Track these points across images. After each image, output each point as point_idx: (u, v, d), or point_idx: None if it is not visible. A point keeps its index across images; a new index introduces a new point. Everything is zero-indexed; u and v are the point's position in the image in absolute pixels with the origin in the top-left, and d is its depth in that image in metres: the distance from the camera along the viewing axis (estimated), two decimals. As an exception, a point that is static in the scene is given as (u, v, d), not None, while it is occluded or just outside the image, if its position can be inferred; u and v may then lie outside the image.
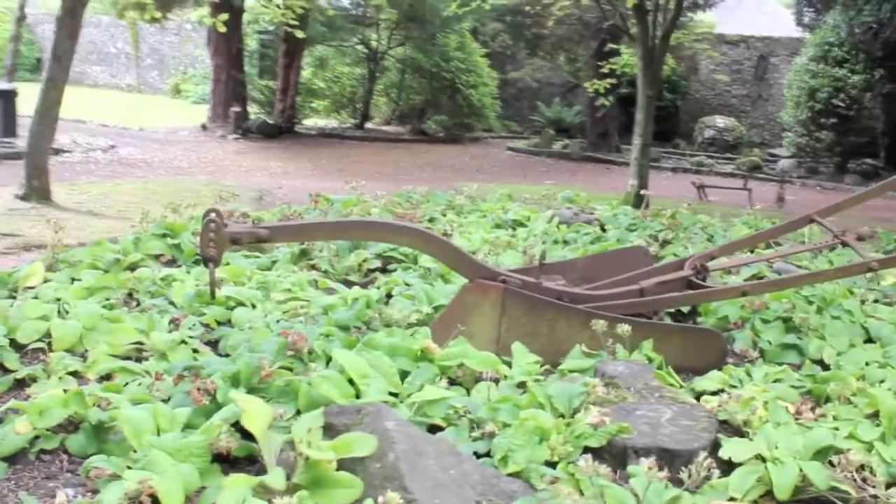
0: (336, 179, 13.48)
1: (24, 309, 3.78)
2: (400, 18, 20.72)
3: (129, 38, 30.95)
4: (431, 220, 6.25)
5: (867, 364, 3.92)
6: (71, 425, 2.99)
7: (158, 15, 22.09)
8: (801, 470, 2.69)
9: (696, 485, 2.69)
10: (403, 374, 3.38)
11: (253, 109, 22.59)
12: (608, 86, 14.23)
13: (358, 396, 3.17)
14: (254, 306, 4.21)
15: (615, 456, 2.86)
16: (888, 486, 2.68)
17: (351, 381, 3.21)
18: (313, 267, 4.97)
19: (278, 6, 21.02)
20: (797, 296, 4.68)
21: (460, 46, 21.49)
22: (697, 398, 3.35)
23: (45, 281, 4.44)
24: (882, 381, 3.63)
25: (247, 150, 20.54)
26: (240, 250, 4.98)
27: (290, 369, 3.37)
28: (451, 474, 2.68)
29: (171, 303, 4.22)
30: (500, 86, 23.12)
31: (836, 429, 3.02)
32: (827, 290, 4.79)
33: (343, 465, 2.72)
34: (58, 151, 17.79)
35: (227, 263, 4.74)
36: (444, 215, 6.48)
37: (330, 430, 2.84)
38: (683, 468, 2.68)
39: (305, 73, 23.01)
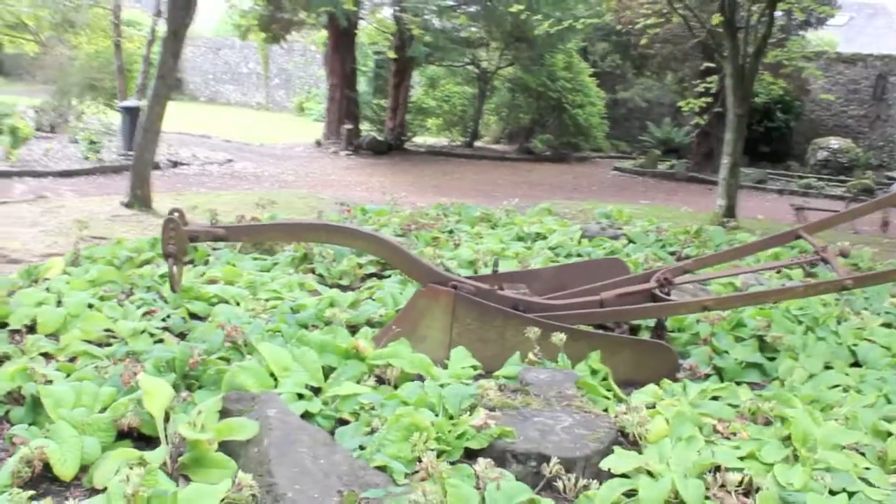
0: (430, 195, 13.71)
1: (21, 296, 4.12)
2: (508, 39, 20.92)
3: (260, 58, 32.39)
4: (451, 231, 6.35)
5: (833, 387, 3.77)
6: (23, 398, 3.26)
7: (276, 36, 23.05)
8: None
9: (573, 494, 2.70)
10: (332, 370, 3.50)
11: (365, 127, 23.27)
12: (703, 105, 13.93)
13: (276, 387, 3.31)
14: (238, 304, 4.43)
15: (495, 459, 2.88)
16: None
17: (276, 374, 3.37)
18: (312, 271, 5.16)
19: (385, 29, 21.66)
20: (787, 315, 4.52)
21: (568, 66, 21.46)
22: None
23: (64, 273, 4.81)
24: (838, 407, 3.50)
25: (354, 166, 21.14)
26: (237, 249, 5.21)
27: (228, 360, 3.55)
28: (319, 463, 2.78)
29: (163, 298, 4.49)
30: (610, 106, 22.93)
31: (738, 447, 2.94)
32: (819, 310, 4.61)
33: (230, 447, 2.87)
34: (176, 164, 18.88)
35: (233, 264, 5.01)
36: (473, 226, 6.56)
37: (225, 415, 3.00)
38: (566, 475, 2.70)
39: (417, 92, 23.53)
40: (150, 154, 12.69)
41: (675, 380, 3.71)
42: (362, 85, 23.95)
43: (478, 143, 24.16)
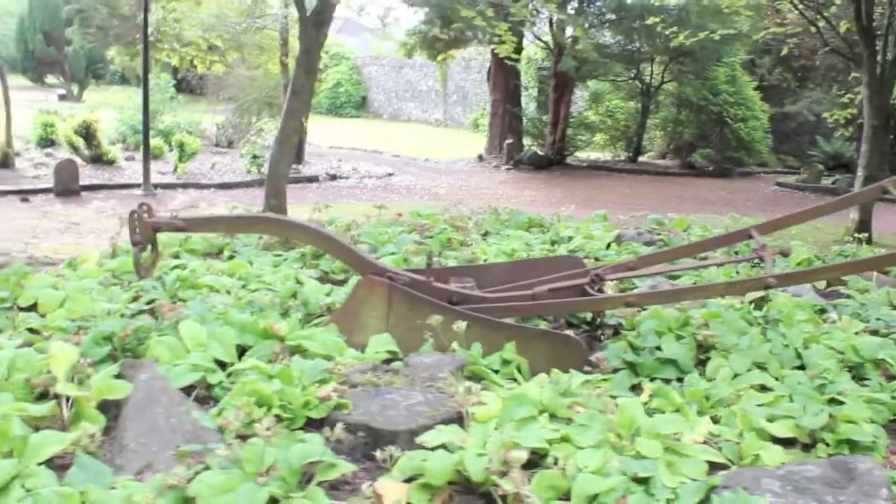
0: (577, 208, 13.85)
1: (31, 280, 4.77)
2: (671, 53, 20.60)
3: (438, 76, 33.49)
4: (486, 234, 6.54)
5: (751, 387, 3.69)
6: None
7: (441, 54, 23.80)
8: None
9: (389, 464, 2.90)
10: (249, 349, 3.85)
11: (527, 142, 23.58)
12: (848, 116, 13.20)
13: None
14: (228, 293, 4.87)
15: (331, 427, 3.11)
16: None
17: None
18: (316, 267, 5.53)
19: (545, 45, 21.84)
20: (746, 315, 4.39)
21: (730, 79, 20.81)
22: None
23: (99, 264, 5.45)
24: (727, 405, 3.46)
25: (511, 181, 21.48)
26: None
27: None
28: (170, 422, 3.13)
29: (164, 286, 5.02)
30: (779, 120, 21.96)
31: (557, 430, 3.00)
32: (793, 313, 4.44)
33: (109, 406, 3.27)
34: (335, 177, 19.99)
35: (233, 256, 5.48)
36: (516, 230, 6.71)
37: (119, 378, 3.42)
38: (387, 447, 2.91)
39: (581, 107, 23.62)
40: (284, 166, 13.55)
41: (585, 372, 3.76)
42: (526, 100, 24.30)
43: (642, 159, 23.86)
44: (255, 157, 19.13)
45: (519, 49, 21.65)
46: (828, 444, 3.19)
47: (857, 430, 3.21)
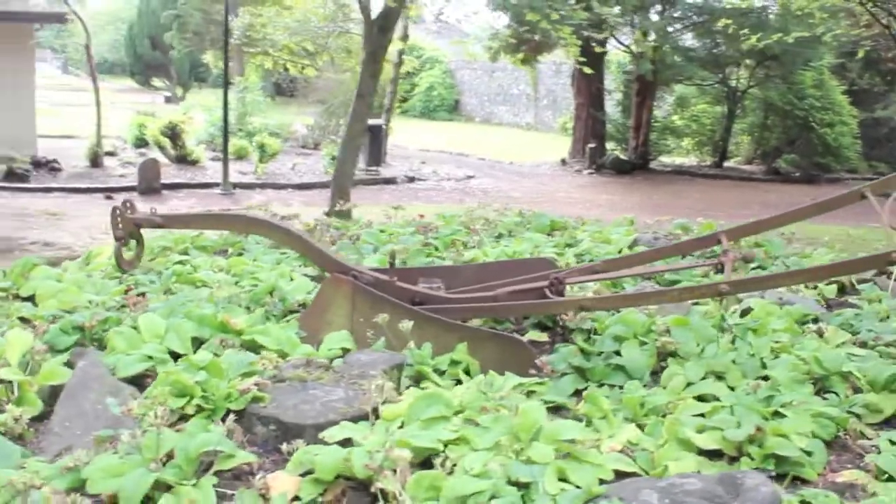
0: (647, 213, 13.66)
1: (35, 271, 5.01)
2: (758, 57, 20.05)
3: (529, 80, 33.42)
4: (500, 235, 6.52)
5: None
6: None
7: (527, 58, 23.73)
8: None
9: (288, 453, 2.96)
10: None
11: (611, 146, 23.31)
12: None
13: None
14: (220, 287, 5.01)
15: (246, 420, 3.19)
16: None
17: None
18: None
19: (627, 49, 21.53)
20: (719, 323, 4.25)
21: (817, 84, 20.08)
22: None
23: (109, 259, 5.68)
24: (662, 415, 3.38)
25: (589, 185, 21.29)
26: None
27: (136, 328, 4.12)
28: (96, 408, 3.26)
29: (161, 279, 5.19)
30: (869, 125, 21.05)
31: (457, 431, 2.99)
32: (767, 322, 4.28)
33: (56, 390, 3.43)
34: (413, 179, 20.20)
35: (241, 254, 5.63)
36: (536, 233, 6.67)
37: (70, 366, 3.57)
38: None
39: (666, 111, 23.24)
40: (350, 167, 13.84)
41: (527, 375, 3.72)
42: (610, 104, 24.03)
43: (727, 164, 23.28)
44: (333, 157, 19.42)
45: (602, 53, 21.42)
46: (752, 458, 3.07)
47: (786, 444, 3.08)
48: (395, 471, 2.67)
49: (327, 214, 12.62)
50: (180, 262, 5.48)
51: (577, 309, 3.95)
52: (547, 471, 2.76)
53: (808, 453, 3.14)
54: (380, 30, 13.12)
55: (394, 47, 23.17)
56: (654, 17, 19.65)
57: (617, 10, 18.36)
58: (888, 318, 4.83)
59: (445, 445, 2.92)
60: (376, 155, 20.33)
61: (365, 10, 13.02)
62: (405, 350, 3.79)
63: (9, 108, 18.54)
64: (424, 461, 2.91)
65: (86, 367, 3.42)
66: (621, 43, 21.97)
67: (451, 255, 5.65)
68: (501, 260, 5.24)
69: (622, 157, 22.37)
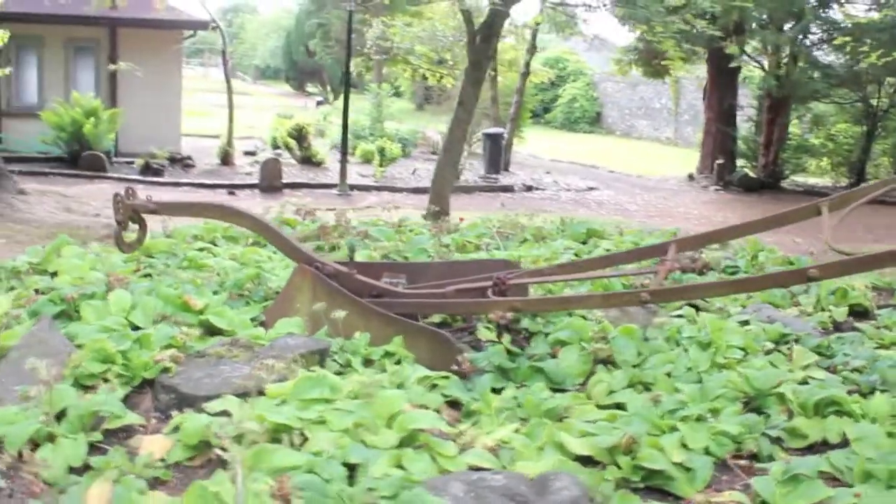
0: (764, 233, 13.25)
1: (67, 250, 5.49)
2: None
3: (671, 94, 32.74)
4: (525, 240, 6.54)
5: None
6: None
7: (658, 71, 23.34)
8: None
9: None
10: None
11: (740, 163, 22.56)
12: None
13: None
14: (218, 274, 5.32)
15: (156, 388, 3.44)
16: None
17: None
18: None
19: (759, 65, 20.78)
20: (678, 334, 4.17)
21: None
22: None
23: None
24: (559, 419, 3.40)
25: (713, 202, 20.65)
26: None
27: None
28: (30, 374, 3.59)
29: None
30: None
31: (322, 412, 3.13)
32: (719, 337, 4.15)
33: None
34: (530, 188, 20.25)
35: (264, 245, 5.95)
36: (572, 240, 6.66)
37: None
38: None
39: (802, 129, 22.27)
40: (448, 173, 14.09)
41: (450, 371, 3.80)
42: (741, 121, 23.27)
43: (865, 185, 22.02)
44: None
45: (735, 68, 20.79)
46: (620, 468, 3.04)
47: (657, 457, 3.03)
48: (240, 441, 2.84)
49: (423, 217, 12.92)
50: (201, 249, 5.85)
51: (509, 310, 3.98)
52: (382, 456, 2.86)
53: (687, 469, 3.09)
54: (483, 39, 13.30)
55: (519, 56, 23.35)
56: (788, 33, 18.87)
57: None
58: (892, 346, 4.57)
59: (304, 423, 3.06)
60: (496, 163, 20.49)
61: (468, 19, 13.24)
62: (337, 338, 3.94)
63: (155, 109, 19.94)
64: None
65: (36, 332, 3.77)
66: (753, 59, 21.23)
67: (458, 256, 5.75)
68: (464, 260, 5.32)
69: (751, 174, 21.55)
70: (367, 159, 21.34)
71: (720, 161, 21.33)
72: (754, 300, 5.20)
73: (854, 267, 3.67)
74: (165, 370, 3.50)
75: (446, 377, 3.63)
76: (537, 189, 20.53)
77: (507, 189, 19.98)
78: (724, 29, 16.56)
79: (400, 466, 2.85)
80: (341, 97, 37.39)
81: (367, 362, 3.94)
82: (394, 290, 4.37)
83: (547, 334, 4.27)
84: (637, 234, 7.26)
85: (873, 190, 4.17)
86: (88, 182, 16.44)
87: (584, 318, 4.43)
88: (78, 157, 17.50)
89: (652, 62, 22.98)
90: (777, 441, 3.40)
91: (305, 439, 3.00)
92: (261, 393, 3.30)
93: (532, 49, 21.57)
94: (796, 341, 4.46)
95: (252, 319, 4.40)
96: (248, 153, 22.25)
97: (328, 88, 40.90)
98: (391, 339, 4.01)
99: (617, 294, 4.13)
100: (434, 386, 3.61)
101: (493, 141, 20.41)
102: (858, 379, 3.92)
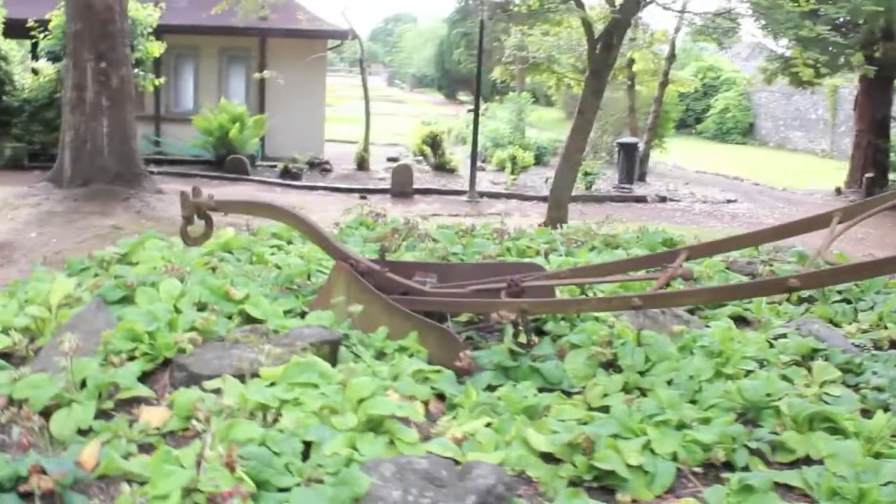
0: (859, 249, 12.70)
1: (151, 242, 5.99)
2: None
3: (828, 104, 31.26)
4: (593, 248, 6.54)
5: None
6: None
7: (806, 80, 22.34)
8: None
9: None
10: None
11: (893, 177, 21.34)
12: None
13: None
14: (279, 268, 5.63)
15: (174, 366, 3.79)
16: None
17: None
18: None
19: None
20: (694, 343, 4.15)
21: None
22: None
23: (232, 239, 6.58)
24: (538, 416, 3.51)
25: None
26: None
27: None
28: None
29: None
30: None
31: (299, 394, 3.37)
32: (729, 347, 4.08)
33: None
34: (664, 199, 19.93)
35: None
36: (647, 249, 6.63)
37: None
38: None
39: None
40: (567, 182, 14.13)
41: (451, 367, 3.96)
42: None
43: None
44: (586, 173, 19.72)
45: (889, 77, 19.69)
46: (575, 466, 3.12)
47: (612, 458, 3.09)
48: (215, 415, 3.13)
49: (542, 224, 13.03)
50: (274, 247, 6.24)
51: (518, 310, 4.09)
52: (338, 437, 3.06)
53: (646, 473, 3.13)
54: (603, 47, 13.28)
55: (648, 65, 22.90)
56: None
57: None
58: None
59: (284, 404, 3.31)
60: (630, 173, 20.26)
61: (588, 27, 13.24)
62: (356, 331, 4.20)
63: (300, 114, 20.95)
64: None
65: (84, 312, 4.21)
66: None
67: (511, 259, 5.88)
68: (496, 262, 5.41)
69: (903, 191, 20.32)
70: (502, 167, 21.60)
71: (870, 175, 20.24)
72: (807, 314, 5.07)
73: (831, 278, 3.57)
74: (182, 350, 3.83)
75: (438, 371, 3.79)
76: (671, 200, 20.16)
77: (640, 200, 19.73)
78: (869, 36, 15.73)
79: (354, 447, 3.04)
80: (490, 105, 37.93)
81: (382, 355, 4.15)
82: (419, 288, 4.56)
83: (560, 336, 4.35)
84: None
85: (885, 201, 4.01)
86: (230, 184, 17.51)
87: (596, 320, 4.49)
88: (223, 161, 18.64)
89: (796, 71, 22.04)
90: (758, 453, 3.36)
91: (278, 417, 3.24)
92: (255, 375, 3.58)
93: (671, 57, 21.19)
94: (826, 358, 4.34)
95: (288, 312, 4.68)
96: (391, 159, 22.95)
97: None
98: (408, 334, 4.21)
99: (610, 298, 4.16)
100: (426, 379, 3.77)
101: (627, 151, 20.20)
102: (871, 397, 3.79)
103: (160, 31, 17.41)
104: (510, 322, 4.10)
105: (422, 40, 52.75)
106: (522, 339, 4.31)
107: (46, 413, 3.38)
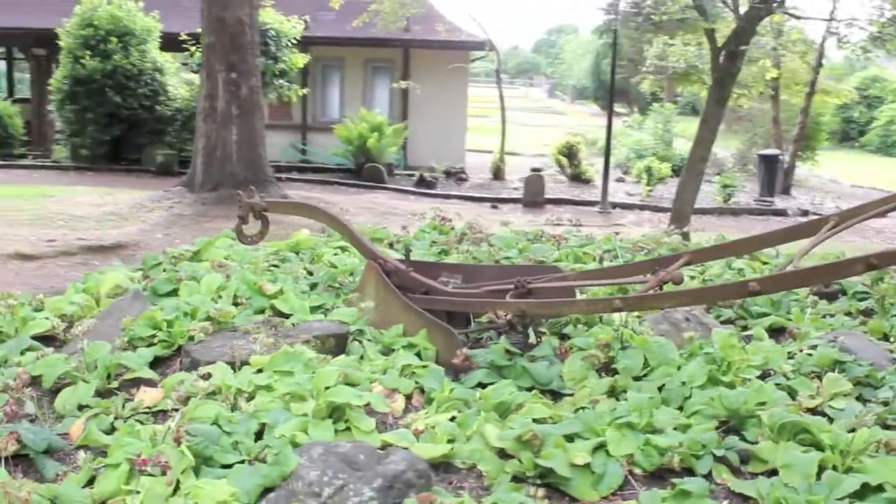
0: None
1: (221, 241, 6.37)
2: None
3: None
4: (647, 254, 6.38)
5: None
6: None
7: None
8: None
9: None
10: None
11: None
12: None
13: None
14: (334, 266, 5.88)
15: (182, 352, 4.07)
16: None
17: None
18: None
19: None
20: (700, 350, 4.03)
21: None
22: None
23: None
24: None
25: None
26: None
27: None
28: (108, 327, 4.37)
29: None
30: None
31: (274, 383, 3.56)
32: (729, 354, 3.93)
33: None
34: (806, 213, 19.02)
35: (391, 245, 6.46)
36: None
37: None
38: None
39: None
40: (689, 192, 13.81)
41: (449, 365, 4.04)
42: None
43: None
44: (725, 185, 19.15)
45: None
46: (521, 462, 3.14)
47: (557, 456, 3.09)
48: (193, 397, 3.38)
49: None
50: (340, 247, 6.50)
51: (518, 311, 4.12)
52: (292, 421, 3.22)
53: (593, 473, 3.12)
54: (728, 56, 12.88)
55: (793, 73, 21.79)
56: None
57: None
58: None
59: (257, 389, 3.50)
60: (770, 185, 19.45)
61: (710, 36, 12.88)
62: (368, 327, 4.38)
63: (442, 124, 21.40)
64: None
65: (120, 302, 4.58)
66: None
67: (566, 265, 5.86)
68: (518, 264, 5.40)
69: None
70: (640, 178, 21.24)
71: None
72: (845, 327, 4.81)
73: (791, 281, 3.38)
74: (192, 338, 4.10)
75: (426, 367, 3.88)
76: (815, 215, 19.15)
77: (780, 213, 18.89)
78: None
79: (305, 432, 3.19)
80: (634, 116, 37.25)
81: (390, 350, 4.28)
82: (439, 287, 4.66)
83: (564, 336, 4.35)
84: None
85: (881, 205, 3.74)
86: (366, 192, 18.10)
87: (603, 324, 4.44)
88: (362, 169, 19.31)
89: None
90: (724, 461, 3.26)
91: (251, 401, 3.43)
92: (246, 363, 3.80)
93: (818, 67, 20.16)
94: (842, 370, 4.12)
95: (318, 308, 4.88)
96: (534, 170, 23.02)
97: (634, 108, 40.87)
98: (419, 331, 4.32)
99: (596, 300, 4.10)
100: (413, 374, 3.87)
101: (768, 163, 19.41)
102: (874, 410, 3.57)
103: (307, 43, 18.25)
104: (507, 322, 4.15)
105: (581, 51, 52.52)
106: (533, 339, 4.34)
107: (58, 389, 3.74)
